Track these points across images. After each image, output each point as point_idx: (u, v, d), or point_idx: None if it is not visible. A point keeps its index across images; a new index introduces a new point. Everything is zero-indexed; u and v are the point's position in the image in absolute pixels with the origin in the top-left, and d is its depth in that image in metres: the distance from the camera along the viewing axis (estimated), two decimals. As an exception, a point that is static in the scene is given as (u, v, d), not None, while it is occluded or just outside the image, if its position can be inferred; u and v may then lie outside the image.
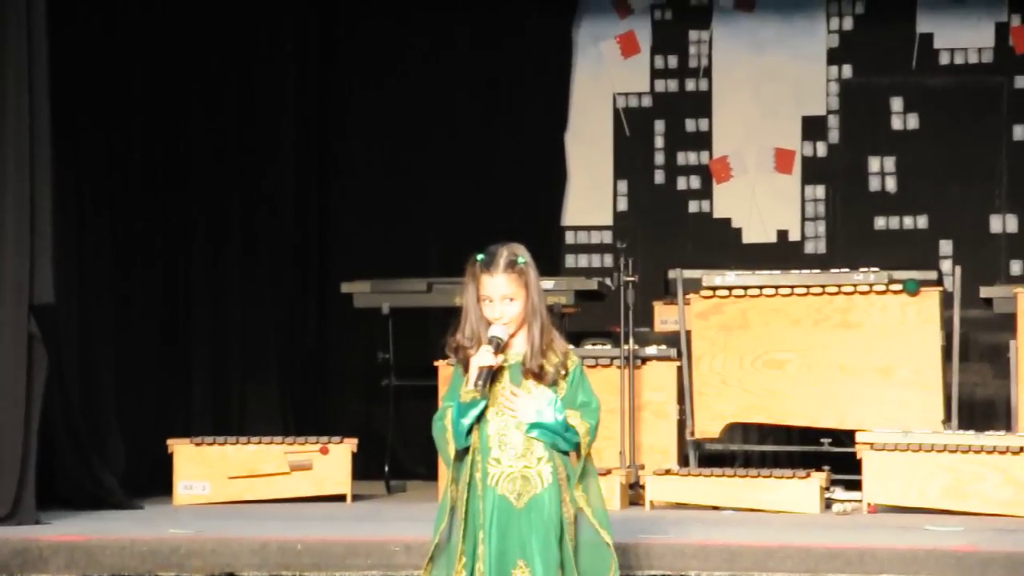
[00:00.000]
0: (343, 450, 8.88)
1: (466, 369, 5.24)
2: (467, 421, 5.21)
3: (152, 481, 9.09)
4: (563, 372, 5.29)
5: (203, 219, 10.33)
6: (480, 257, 5.29)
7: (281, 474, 8.83)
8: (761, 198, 11.58)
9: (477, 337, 5.25)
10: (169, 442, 8.89)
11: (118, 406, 9.25)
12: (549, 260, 11.19)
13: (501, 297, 5.24)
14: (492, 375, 5.21)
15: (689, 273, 9.39)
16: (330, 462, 8.86)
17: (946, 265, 10.85)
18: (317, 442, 8.91)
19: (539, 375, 5.25)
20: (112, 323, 9.39)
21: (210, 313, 10.29)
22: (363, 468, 9.38)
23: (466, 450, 5.24)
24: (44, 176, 7.69)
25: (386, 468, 9.83)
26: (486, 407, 5.23)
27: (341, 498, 8.84)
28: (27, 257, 7.60)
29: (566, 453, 5.26)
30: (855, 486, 8.40)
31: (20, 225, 7.60)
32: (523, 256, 5.29)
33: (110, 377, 9.26)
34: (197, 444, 8.87)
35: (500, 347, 5.22)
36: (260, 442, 8.92)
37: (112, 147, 9.51)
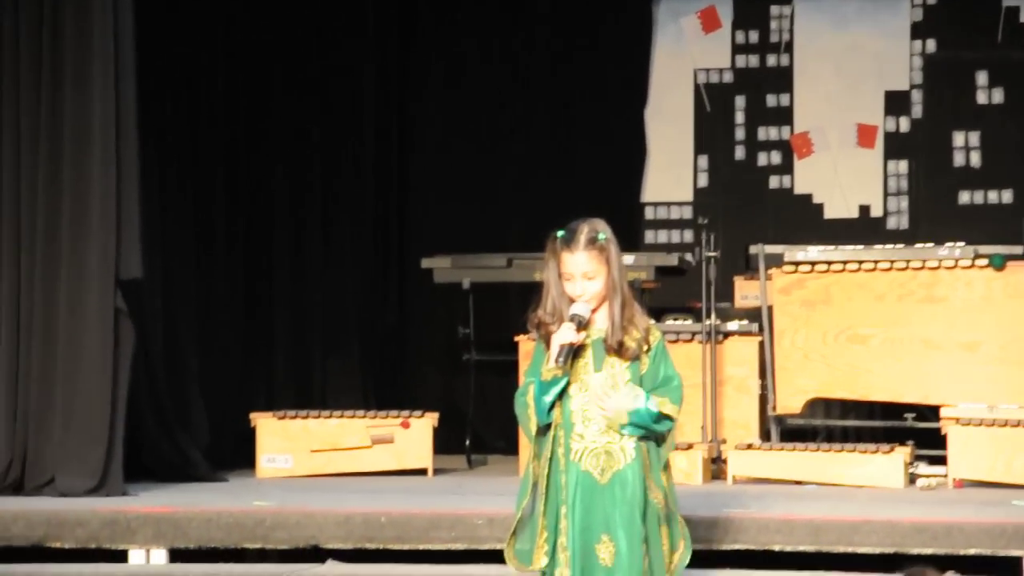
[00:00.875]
0: (424, 424, 8.92)
1: (547, 345, 5.23)
2: (549, 399, 5.21)
3: (235, 454, 9.17)
4: (645, 347, 5.28)
5: (285, 194, 10.39)
6: (561, 234, 5.27)
7: (363, 448, 8.88)
8: (843, 173, 11.50)
9: (558, 313, 5.24)
10: (252, 416, 8.95)
11: (202, 380, 9.32)
12: (629, 236, 11.15)
13: (582, 274, 5.23)
14: (574, 352, 5.20)
15: (771, 248, 9.34)
16: (411, 436, 8.90)
17: (1031, 240, 10.73)
18: (399, 416, 8.94)
19: (620, 351, 5.24)
20: (195, 298, 9.47)
21: (292, 288, 10.35)
22: (444, 442, 9.41)
23: (548, 426, 5.24)
24: (130, 152, 7.75)
25: (467, 442, 9.86)
26: (568, 384, 5.23)
27: (422, 472, 8.87)
28: (113, 233, 7.67)
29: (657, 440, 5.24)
30: (939, 461, 8.34)
31: (106, 201, 7.67)
32: (604, 232, 5.27)
33: (194, 351, 9.34)
34: (280, 418, 8.93)
35: (582, 324, 5.21)
36: (342, 416, 8.97)
37: (195, 122, 9.58)
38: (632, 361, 5.25)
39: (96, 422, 7.58)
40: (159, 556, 6.70)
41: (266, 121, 10.25)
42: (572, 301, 5.25)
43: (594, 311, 5.26)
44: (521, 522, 5.27)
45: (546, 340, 5.25)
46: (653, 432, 5.21)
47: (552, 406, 5.21)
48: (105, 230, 7.68)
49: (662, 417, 5.21)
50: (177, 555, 6.71)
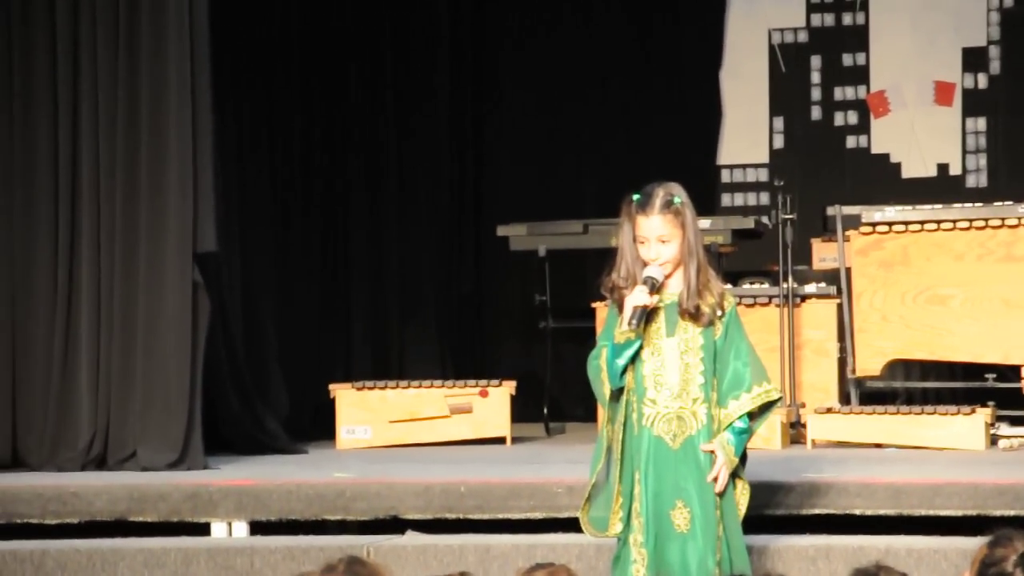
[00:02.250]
0: (502, 393, 8.92)
1: (621, 309, 5.22)
2: (622, 361, 5.20)
3: (315, 426, 9.22)
4: (719, 313, 5.26)
5: (360, 165, 10.42)
6: (636, 197, 5.26)
7: (441, 417, 8.89)
8: (920, 132, 11.38)
9: (633, 277, 5.23)
10: (331, 387, 8.99)
11: (280, 352, 9.37)
12: (705, 199, 11.09)
13: (657, 238, 5.21)
14: (647, 315, 5.19)
15: (848, 209, 9.26)
16: (489, 405, 8.90)
17: (1113, 196, 10.58)
18: (476, 385, 8.95)
19: (695, 315, 5.23)
20: (272, 270, 9.52)
21: (368, 258, 10.39)
22: (522, 411, 9.40)
23: (621, 390, 5.23)
24: (205, 124, 7.79)
25: (545, 410, 9.85)
26: (641, 347, 5.21)
27: (501, 440, 8.88)
28: (190, 205, 7.71)
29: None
30: (1021, 422, 8.26)
31: (183, 174, 7.71)
32: (679, 196, 5.25)
33: (272, 324, 9.39)
34: (358, 389, 8.96)
35: (655, 287, 5.19)
36: (420, 386, 8.99)
37: (271, 92, 9.62)
38: (706, 327, 5.24)
39: (176, 395, 7.64)
40: (240, 528, 6.73)
41: (341, 87, 10.28)
42: (646, 265, 5.24)
43: (668, 276, 5.25)
44: (596, 488, 5.27)
45: (619, 304, 5.24)
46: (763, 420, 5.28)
47: (625, 370, 5.20)
48: (182, 204, 7.72)
49: (757, 413, 5.21)
50: (258, 527, 6.74)
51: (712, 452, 5.17)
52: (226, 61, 8.61)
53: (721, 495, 5.19)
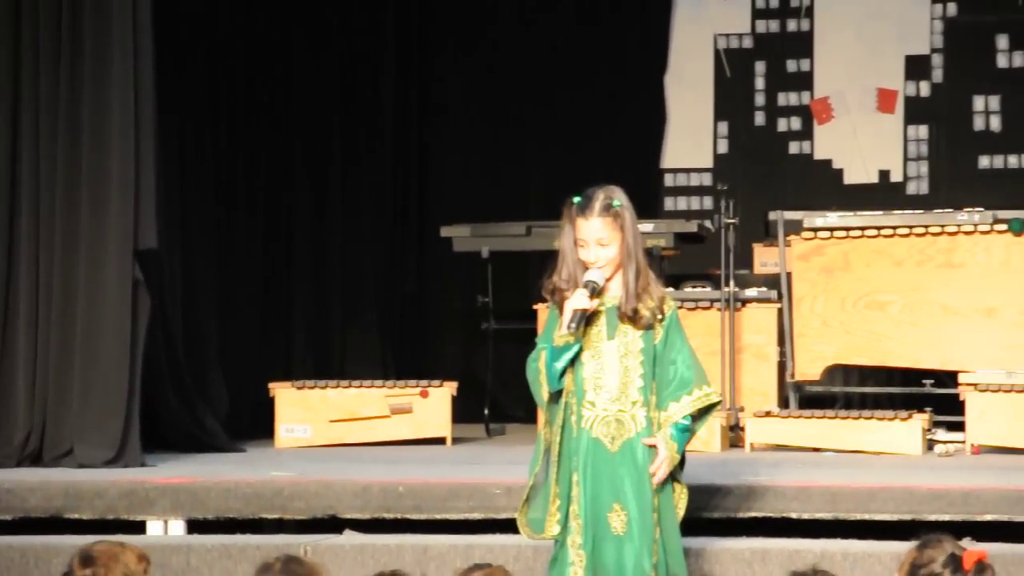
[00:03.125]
0: (443, 393, 8.92)
1: (561, 311, 5.23)
2: (560, 365, 5.21)
3: (254, 424, 9.19)
4: (659, 317, 5.27)
5: (303, 165, 10.40)
6: (576, 200, 5.27)
7: (381, 417, 8.88)
8: (863, 139, 11.45)
9: (573, 280, 5.24)
10: (271, 386, 8.97)
11: (220, 350, 9.34)
12: (648, 202, 11.14)
13: (596, 240, 5.22)
14: (587, 318, 5.20)
15: (790, 215, 9.32)
16: (430, 405, 8.90)
17: (1052, 205, 10.68)
18: (417, 385, 8.95)
19: (635, 319, 5.23)
20: (214, 268, 9.48)
21: (310, 258, 10.37)
22: (463, 411, 9.40)
23: (560, 392, 5.24)
24: (148, 121, 7.76)
25: (486, 411, 9.85)
26: (580, 350, 5.23)
27: (441, 441, 8.88)
28: (131, 202, 7.68)
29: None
30: (957, 427, 8.32)
31: (125, 170, 7.67)
32: (619, 199, 5.26)
33: (212, 322, 9.36)
34: (298, 388, 8.94)
35: (596, 291, 5.20)
36: (361, 385, 8.97)
37: (214, 92, 9.57)
38: (646, 330, 5.25)
39: (114, 392, 7.60)
40: (177, 527, 6.70)
41: (285, 89, 10.25)
42: (587, 268, 5.25)
43: (609, 279, 5.26)
44: (534, 490, 5.28)
45: (560, 307, 5.25)
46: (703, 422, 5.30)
47: (563, 372, 5.21)
48: (123, 201, 7.68)
49: (697, 415, 5.23)
50: (195, 525, 6.71)
51: (654, 446, 5.18)
52: (170, 60, 8.57)
53: (660, 490, 5.19)
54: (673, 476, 5.28)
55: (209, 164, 9.53)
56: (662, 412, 5.23)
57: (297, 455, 8.32)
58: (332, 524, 6.64)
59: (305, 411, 8.88)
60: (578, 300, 5.18)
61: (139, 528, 6.70)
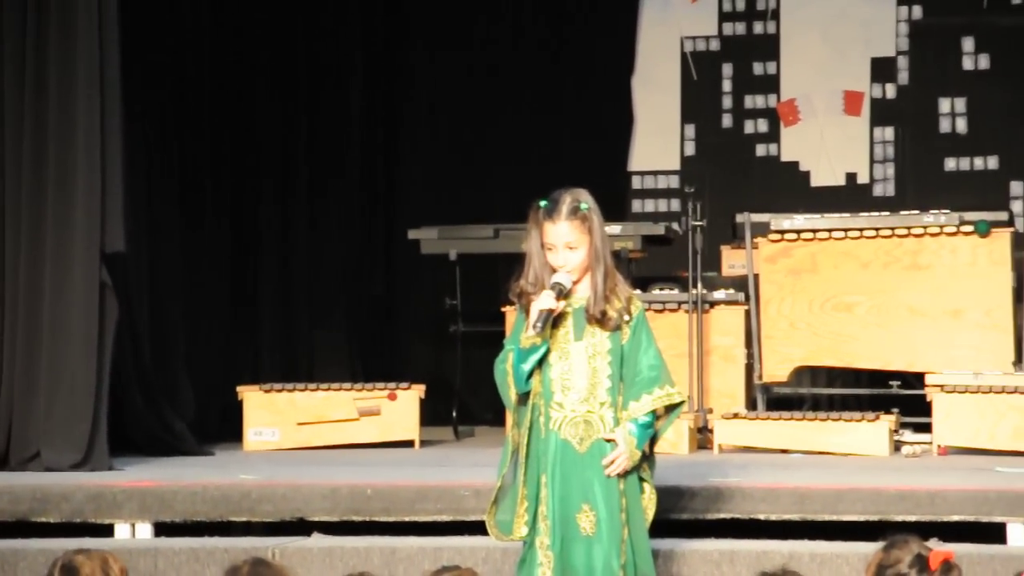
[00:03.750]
0: (411, 396, 8.92)
1: (528, 314, 5.23)
2: (527, 366, 5.21)
3: (222, 428, 9.18)
4: (626, 318, 5.28)
5: (270, 169, 10.38)
6: (543, 203, 5.27)
7: (349, 420, 8.88)
8: (829, 141, 11.49)
9: (540, 283, 5.25)
10: (238, 389, 8.95)
11: (188, 354, 9.32)
12: (616, 205, 11.16)
13: (564, 244, 5.23)
14: (553, 320, 5.20)
15: (757, 217, 9.35)
16: (398, 408, 8.90)
17: (1017, 206, 10.75)
18: (385, 388, 8.94)
19: (602, 320, 5.24)
20: (181, 271, 9.46)
21: (278, 261, 10.35)
22: (431, 414, 9.41)
23: (527, 394, 5.25)
24: (114, 125, 7.74)
25: (454, 414, 9.86)
26: (548, 352, 5.23)
27: (409, 444, 8.88)
28: (98, 206, 7.66)
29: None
30: (924, 428, 8.35)
31: (90, 174, 7.65)
32: (586, 202, 5.26)
33: (180, 325, 9.33)
34: (266, 391, 8.93)
35: (563, 293, 5.21)
36: (328, 388, 8.97)
37: (181, 95, 9.55)
38: (613, 331, 5.25)
39: (81, 396, 7.57)
40: (144, 530, 6.69)
41: (252, 94, 10.23)
42: (554, 271, 5.25)
43: (576, 281, 5.27)
44: (502, 491, 5.28)
45: (527, 309, 5.25)
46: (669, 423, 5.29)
47: (531, 374, 5.22)
48: (90, 203, 7.66)
49: (662, 416, 5.24)
50: (163, 529, 6.70)
51: (613, 440, 5.18)
52: (136, 66, 8.54)
53: (629, 491, 5.20)
54: (642, 477, 5.28)
55: (175, 168, 9.50)
56: (624, 411, 5.23)
57: (265, 458, 8.31)
58: (300, 527, 6.64)
59: (273, 414, 8.86)
60: (544, 301, 5.18)
61: (106, 531, 6.69)
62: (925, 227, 8.78)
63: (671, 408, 5.29)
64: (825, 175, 11.48)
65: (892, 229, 8.84)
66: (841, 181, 11.45)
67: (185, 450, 8.38)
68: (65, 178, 7.66)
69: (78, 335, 7.62)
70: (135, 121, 8.49)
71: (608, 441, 5.20)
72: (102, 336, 7.66)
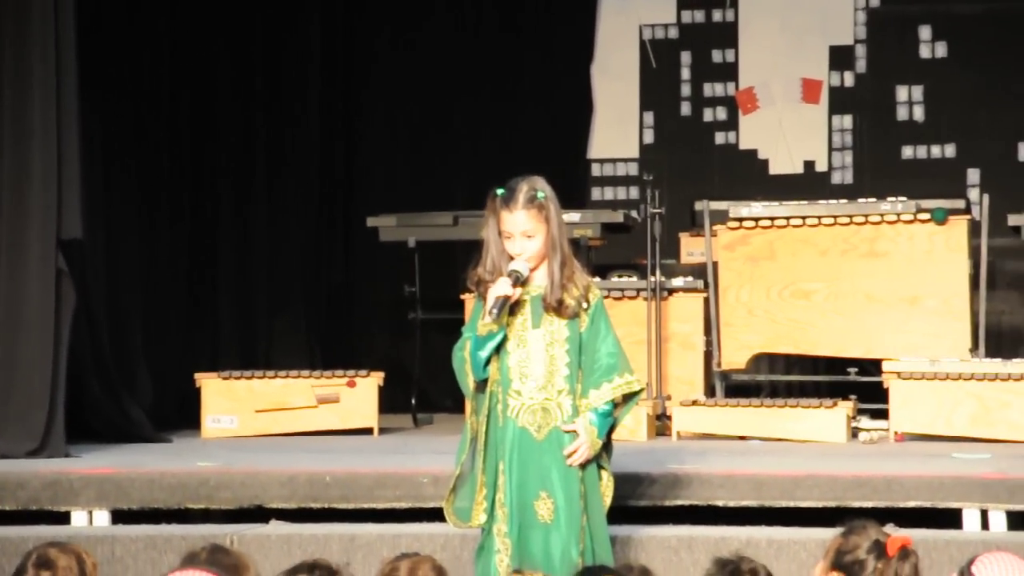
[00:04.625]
0: (370, 383, 8.91)
1: (486, 302, 5.23)
2: (484, 354, 5.21)
3: (180, 415, 9.14)
4: (584, 306, 5.29)
5: (229, 154, 10.34)
6: (500, 192, 5.27)
7: (308, 407, 8.86)
8: (788, 129, 11.52)
9: (498, 271, 5.25)
10: (197, 376, 8.92)
11: (146, 340, 9.29)
12: (575, 193, 11.17)
13: (522, 232, 5.23)
14: (509, 306, 5.20)
15: (716, 204, 9.38)
16: (357, 395, 8.88)
17: (974, 194, 10.79)
18: (344, 375, 8.93)
19: (559, 309, 5.24)
20: (139, 258, 9.43)
21: (237, 248, 10.32)
22: (390, 401, 9.40)
23: (485, 382, 5.25)
24: (70, 109, 7.70)
25: (413, 401, 9.85)
26: (505, 339, 5.23)
27: (368, 431, 8.87)
28: (54, 192, 7.62)
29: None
30: (882, 415, 8.39)
31: (47, 160, 7.62)
32: (543, 191, 5.26)
33: (138, 312, 9.30)
34: (225, 378, 8.90)
35: (519, 280, 5.21)
36: (287, 376, 8.95)
37: (139, 83, 9.51)
38: (571, 319, 5.26)
39: (38, 383, 7.54)
40: (102, 517, 6.66)
41: (210, 82, 10.19)
42: (512, 259, 5.25)
43: (533, 269, 5.27)
44: (460, 478, 5.29)
45: (485, 297, 5.25)
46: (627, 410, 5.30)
47: (488, 361, 5.22)
48: (46, 190, 7.63)
49: (621, 404, 5.25)
50: (120, 516, 6.67)
51: (574, 431, 5.20)
52: (94, 58, 8.50)
53: (587, 478, 5.21)
54: (600, 464, 5.29)
55: (133, 154, 9.46)
56: (583, 400, 5.24)
57: (223, 445, 8.29)
58: (259, 514, 6.63)
59: (231, 401, 8.84)
60: (500, 287, 5.18)
61: (63, 519, 6.67)
62: (882, 215, 8.82)
63: (630, 396, 5.30)
64: (783, 163, 11.51)
65: (850, 217, 8.88)
66: (799, 169, 11.49)
67: (143, 437, 8.35)
68: (21, 167, 7.63)
69: (34, 322, 7.59)
70: (92, 108, 8.44)
71: (568, 432, 5.20)
72: (59, 323, 7.63)
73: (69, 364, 7.71)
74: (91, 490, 6.68)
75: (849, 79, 11.50)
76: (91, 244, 8.37)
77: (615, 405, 5.28)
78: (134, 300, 9.30)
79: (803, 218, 8.94)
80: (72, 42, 7.70)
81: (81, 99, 7.81)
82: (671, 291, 9.02)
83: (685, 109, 11.70)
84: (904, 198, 8.93)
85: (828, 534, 4.37)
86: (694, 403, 8.49)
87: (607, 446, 5.32)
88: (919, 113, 11.36)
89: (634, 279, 9.27)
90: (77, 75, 7.74)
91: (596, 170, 11.75)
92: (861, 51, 11.48)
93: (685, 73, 11.72)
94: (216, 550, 4.38)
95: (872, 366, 8.69)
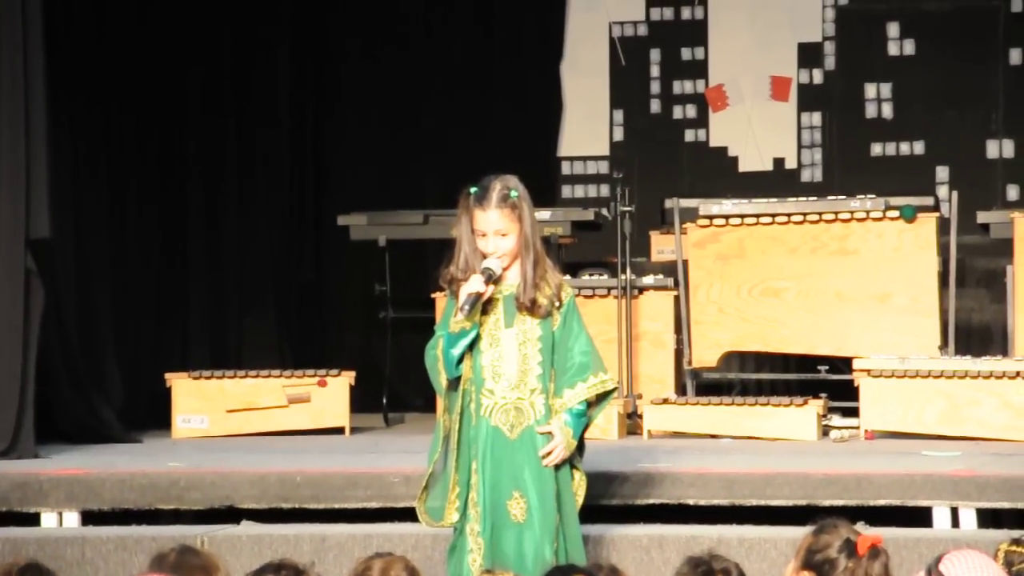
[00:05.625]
0: (341, 383, 8.89)
1: (458, 299, 5.23)
2: (457, 351, 5.21)
3: (150, 415, 9.11)
4: (557, 304, 5.29)
5: (198, 154, 10.31)
6: (473, 190, 5.27)
7: (279, 407, 8.85)
8: (757, 126, 11.54)
9: (471, 269, 5.25)
10: (167, 376, 8.90)
11: (116, 341, 9.26)
12: (546, 191, 11.16)
13: (495, 231, 5.23)
14: (482, 304, 5.20)
15: (686, 202, 9.38)
16: (328, 395, 8.87)
17: (943, 191, 10.82)
18: (315, 375, 8.92)
19: (532, 308, 5.24)
20: (109, 258, 9.39)
21: (207, 247, 10.29)
22: (361, 401, 9.38)
23: (458, 380, 5.25)
24: (38, 108, 7.67)
25: (384, 400, 9.83)
26: (478, 337, 5.23)
27: (339, 431, 8.85)
28: (22, 191, 7.59)
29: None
30: (852, 413, 8.40)
31: (15, 159, 7.58)
32: (516, 189, 5.26)
33: (108, 312, 9.27)
34: (195, 378, 8.88)
35: (492, 278, 5.21)
36: (258, 375, 8.93)
37: (108, 82, 9.47)
38: (544, 318, 5.26)
39: (6, 383, 7.51)
40: (71, 519, 6.63)
41: (180, 80, 10.15)
42: (484, 257, 5.25)
43: (506, 268, 5.27)
44: (432, 477, 5.28)
45: (457, 295, 5.25)
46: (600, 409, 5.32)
47: (461, 359, 5.22)
48: (13, 190, 7.60)
49: (594, 402, 5.25)
50: (90, 517, 6.65)
51: (549, 433, 5.20)
52: (61, 45, 8.46)
53: (560, 478, 5.21)
54: (572, 463, 5.30)
55: (102, 155, 9.42)
56: (557, 399, 5.24)
57: (194, 445, 8.27)
58: (229, 514, 6.61)
59: (202, 401, 8.82)
60: (473, 284, 5.19)
61: (33, 520, 6.64)
62: (852, 212, 8.83)
63: (603, 395, 5.31)
64: (753, 160, 11.53)
65: (819, 214, 8.89)
66: (769, 166, 11.51)
67: (113, 437, 8.33)
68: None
69: (2, 322, 7.56)
70: (59, 104, 8.41)
71: (544, 433, 5.20)
72: (27, 323, 7.60)
73: (38, 364, 7.68)
74: (60, 491, 6.65)
75: (818, 76, 11.53)
76: (60, 244, 8.33)
77: (589, 404, 5.28)
78: (104, 300, 9.26)
79: (773, 216, 8.96)
80: (40, 45, 7.67)
81: (50, 100, 7.78)
82: (641, 289, 9.02)
83: (655, 107, 11.72)
84: (873, 195, 8.95)
85: (799, 533, 4.38)
86: (665, 401, 8.50)
87: (580, 445, 5.33)
88: (888, 110, 11.40)
89: (604, 277, 9.27)
90: (45, 77, 7.70)
91: (566, 168, 11.76)
92: (830, 48, 11.51)
93: (655, 70, 11.73)
94: (185, 551, 4.37)
95: (842, 364, 8.71)
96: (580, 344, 5.28)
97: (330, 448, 8.08)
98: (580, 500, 5.33)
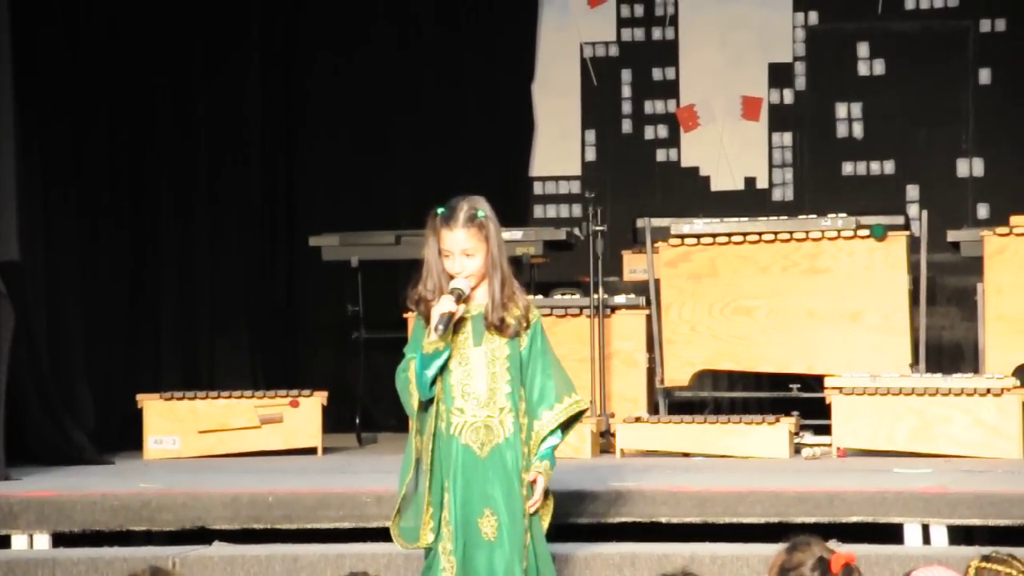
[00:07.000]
0: (313, 403, 8.89)
1: (428, 321, 5.24)
2: (431, 372, 5.22)
3: (122, 436, 9.09)
4: (525, 325, 5.31)
5: (170, 175, 10.29)
6: (440, 211, 5.28)
7: (251, 428, 8.83)
8: (728, 146, 11.58)
9: (439, 290, 5.26)
10: (138, 397, 8.88)
11: (87, 362, 9.23)
12: (517, 211, 11.19)
13: (462, 251, 5.24)
14: (453, 324, 5.21)
15: (657, 222, 9.41)
16: (300, 415, 8.86)
17: (913, 209, 10.88)
18: (287, 395, 8.90)
19: (500, 328, 5.26)
20: (80, 281, 9.36)
21: (178, 268, 10.27)
22: (334, 421, 9.38)
23: (431, 401, 5.25)
24: (6, 132, 7.65)
25: (357, 421, 9.82)
26: (449, 357, 5.24)
27: (312, 451, 8.85)
28: (-9, 214, 7.58)
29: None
30: (824, 431, 8.43)
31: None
32: (483, 210, 5.28)
33: (79, 334, 9.23)
34: (167, 399, 8.86)
35: (461, 298, 5.22)
36: (230, 396, 8.92)
37: (78, 105, 9.45)
38: (512, 338, 5.27)
39: (-24, 406, 7.48)
40: (42, 541, 6.61)
41: (150, 101, 10.14)
42: (452, 278, 5.26)
43: (474, 288, 5.28)
44: (405, 499, 5.28)
45: (426, 317, 5.26)
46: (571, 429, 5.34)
47: (434, 380, 5.22)
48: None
49: (564, 427, 5.27)
50: (61, 539, 6.63)
51: (534, 482, 5.22)
52: (31, 68, 8.44)
53: (529, 497, 5.22)
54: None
55: (72, 178, 9.39)
56: (536, 421, 5.26)
57: (166, 466, 8.25)
58: (201, 535, 6.59)
59: (174, 422, 8.80)
60: (444, 304, 5.20)
61: (4, 543, 6.61)
62: (823, 231, 8.87)
63: (576, 415, 5.32)
64: (724, 180, 11.57)
65: (790, 233, 8.92)
66: (740, 186, 11.55)
67: (84, 459, 8.30)
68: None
69: (-27, 345, 7.53)
70: (31, 135, 8.40)
71: (531, 482, 5.23)
72: (-2, 346, 7.57)
73: (9, 386, 7.65)
74: (31, 513, 6.63)
75: (789, 96, 11.58)
76: (30, 266, 8.31)
77: (561, 428, 5.30)
78: (75, 322, 9.23)
79: (744, 235, 8.98)
80: (9, 71, 7.64)
81: (18, 122, 7.76)
82: (614, 308, 9.02)
83: (626, 126, 11.76)
84: (844, 214, 8.99)
85: (771, 550, 4.38)
86: (637, 420, 8.50)
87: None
88: (858, 130, 11.45)
89: (577, 297, 9.28)
90: (13, 96, 7.69)
91: (538, 188, 11.78)
92: (800, 68, 11.56)
93: (626, 91, 11.77)
94: (156, 572, 4.36)
95: (814, 382, 8.73)
96: (547, 367, 5.31)
97: (302, 468, 8.07)
98: (548, 519, 5.34)
